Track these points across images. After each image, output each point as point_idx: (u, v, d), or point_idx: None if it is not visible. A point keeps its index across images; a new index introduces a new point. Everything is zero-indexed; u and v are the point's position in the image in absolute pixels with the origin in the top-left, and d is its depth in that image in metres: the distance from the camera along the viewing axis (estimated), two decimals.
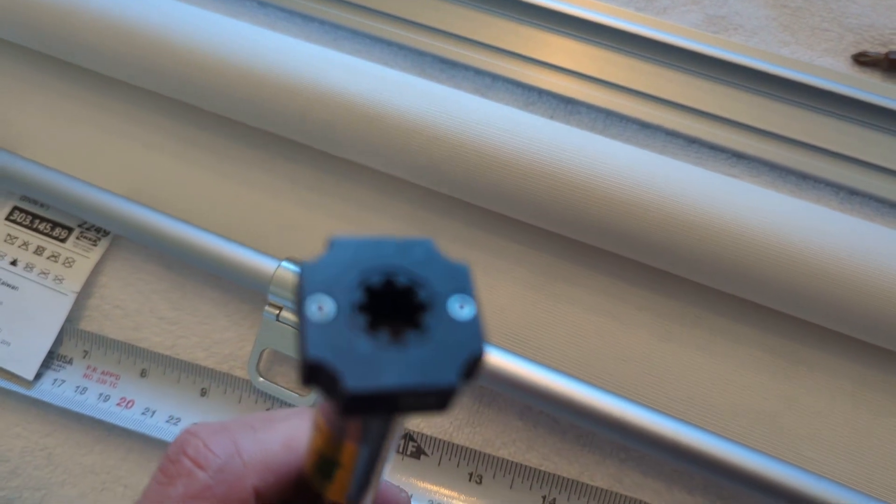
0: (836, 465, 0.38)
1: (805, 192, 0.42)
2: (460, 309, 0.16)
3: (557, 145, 0.39)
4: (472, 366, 0.15)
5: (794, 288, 0.37)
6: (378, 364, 0.15)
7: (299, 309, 0.15)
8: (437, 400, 0.15)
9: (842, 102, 0.42)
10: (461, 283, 0.16)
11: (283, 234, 0.44)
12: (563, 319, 0.42)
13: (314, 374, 0.15)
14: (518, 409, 0.41)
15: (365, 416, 0.17)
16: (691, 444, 0.36)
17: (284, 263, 0.41)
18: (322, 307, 0.15)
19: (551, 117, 0.44)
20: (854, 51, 0.44)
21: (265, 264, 0.41)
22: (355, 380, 0.14)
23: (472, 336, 0.15)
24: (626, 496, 0.38)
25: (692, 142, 0.43)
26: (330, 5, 0.47)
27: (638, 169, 0.39)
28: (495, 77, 0.45)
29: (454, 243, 0.43)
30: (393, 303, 0.16)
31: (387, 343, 0.15)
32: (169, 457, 0.22)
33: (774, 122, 0.42)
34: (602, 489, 0.39)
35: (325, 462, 0.20)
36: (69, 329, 0.44)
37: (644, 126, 0.44)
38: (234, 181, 0.46)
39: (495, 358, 0.39)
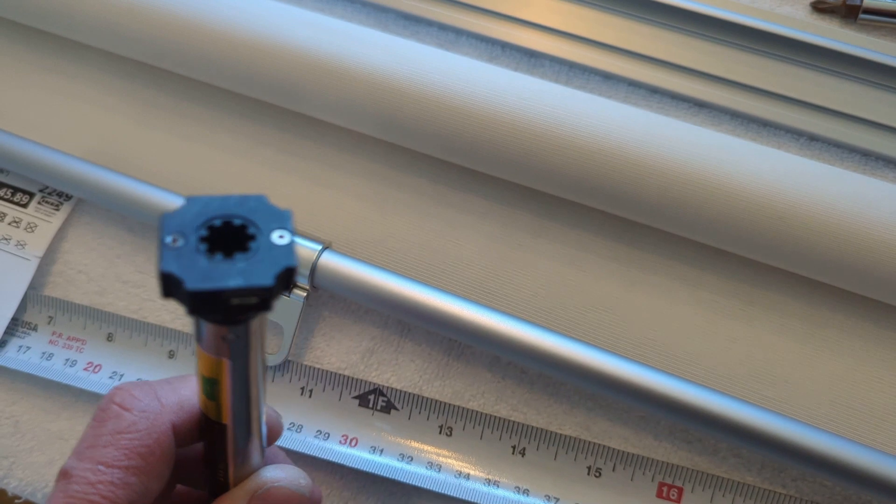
0: (794, 402, 0.39)
1: (766, 138, 0.43)
2: (280, 238, 0.21)
3: (519, 95, 0.39)
4: (286, 275, 0.21)
5: (754, 232, 0.38)
6: (213, 274, 0.20)
7: (158, 243, 0.21)
8: (259, 299, 0.20)
9: (801, 49, 0.42)
10: (282, 222, 0.22)
11: (246, 193, 0.44)
12: (528, 271, 0.42)
13: (166, 283, 0.20)
14: (487, 360, 0.41)
15: (207, 315, 0.21)
16: (655, 388, 0.37)
17: None
18: (175, 240, 0.21)
19: (515, 70, 0.44)
20: None
21: None
22: (194, 283, 0.20)
23: (287, 255, 0.21)
24: (594, 443, 0.39)
25: (654, 91, 0.43)
26: None
27: (601, 117, 0.39)
28: (459, 32, 0.45)
29: (420, 198, 0.43)
30: (231, 237, 0.21)
31: (221, 261, 0.21)
32: (101, 406, 0.27)
33: (735, 71, 0.43)
34: (570, 437, 0.39)
35: (206, 382, 0.25)
36: (33, 295, 0.43)
37: (607, 77, 0.44)
38: (195, 142, 0.45)
39: (462, 309, 0.39)
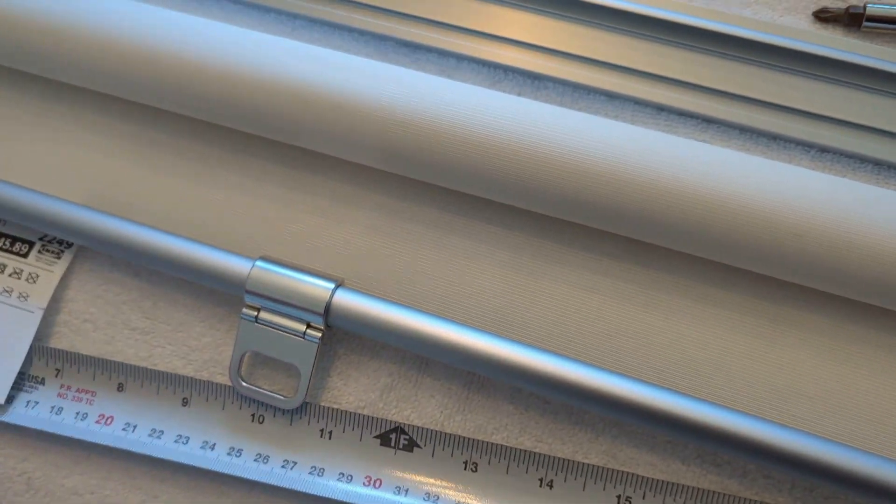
0: (823, 419, 0.38)
1: (776, 152, 0.42)
2: None
3: (526, 121, 0.39)
4: None
5: (771, 249, 0.37)
6: None
7: None
8: None
9: (806, 60, 0.42)
10: None
11: (254, 232, 0.43)
12: (546, 298, 0.41)
13: None
14: (508, 392, 0.40)
15: None
16: (681, 413, 0.36)
17: (259, 262, 0.40)
18: None
19: (519, 94, 0.44)
20: (815, 7, 0.44)
21: (239, 265, 0.40)
22: None
23: None
24: (622, 472, 0.38)
25: (661, 109, 0.43)
26: None
27: (609, 140, 0.38)
28: (460, 57, 0.44)
29: (431, 229, 0.42)
30: None
31: None
32: None
33: (741, 85, 0.42)
34: (598, 467, 0.38)
35: None
36: (38, 348, 0.42)
37: (612, 97, 0.43)
38: (197, 181, 0.44)
39: (481, 342, 0.38)
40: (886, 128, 0.41)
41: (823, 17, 0.43)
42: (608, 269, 0.41)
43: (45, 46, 0.43)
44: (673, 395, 0.36)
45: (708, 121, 0.42)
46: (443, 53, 0.45)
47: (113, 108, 0.46)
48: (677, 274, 0.41)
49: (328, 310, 0.39)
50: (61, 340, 0.43)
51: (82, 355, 0.42)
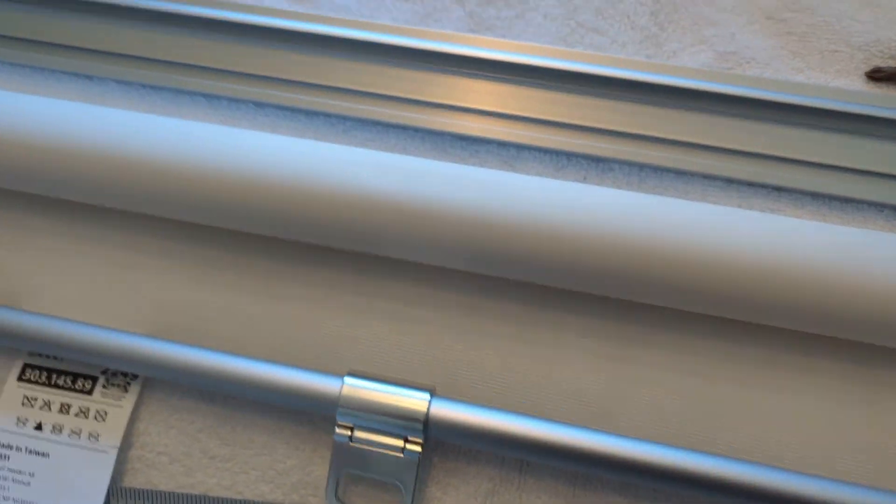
0: None
1: (850, 215, 0.42)
2: None
3: (599, 209, 0.38)
4: None
5: (864, 318, 0.37)
6: None
7: None
8: None
9: (865, 121, 0.42)
10: None
11: (334, 346, 0.42)
12: (644, 385, 0.40)
13: None
14: (616, 484, 0.39)
15: None
16: (816, 497, 0.35)
17: (348, 379, 0.39)
18: None
19: (584, 179, 0.43)
20: (866, 68, 0.44)
21: (328, 384, 0.39)
22: None
23: None
24: None
25: (731, 182, 0.43)
26: (332, 96, 0.45)
27: (686, 222, 0.38)
28: (520, 147, 0.44)
29: (510, 325, 0.42)
30: None
31: None
32: None
33: (806, 150, 0.42)
34: None
35: None
36: (115, 489, 0.40)
37: (680, 174, 0.43)
38: (263, 298, 0.43)
39: (585, 440, 0.37)
40: None
41: (877, 76, 0.44)
42: (702, 349, 0.40)
43: (90, 175, 0.42)
44: (800, 478, 0.36)
45: (779, 189, 0.43)
46: (502, 144, 0.44)
47: (165, 230, 0.44)
48: (769, 346, 0.40)
49: (427, 422, 0.38)
50: (136, 477, 0.41)
51: (161, 492, 0.40)
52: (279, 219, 0.40)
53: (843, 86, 0.44)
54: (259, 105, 0.46)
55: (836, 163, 0.42)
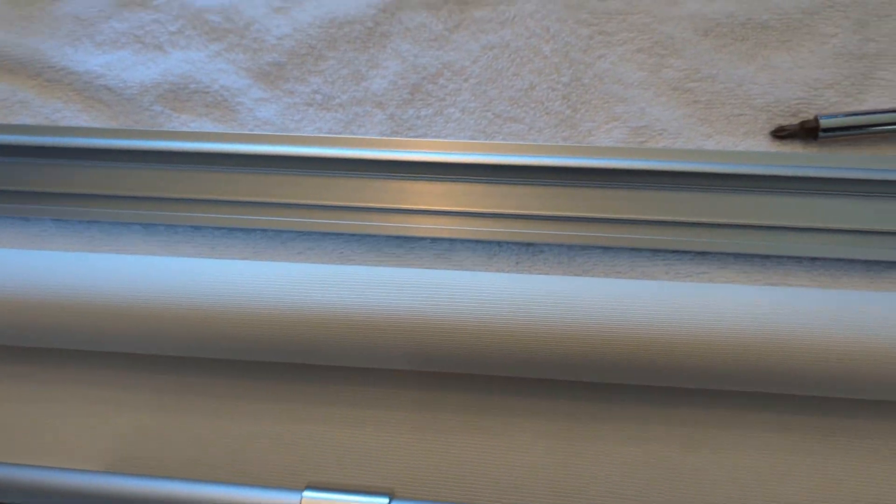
0: None
1: (772, 269, 0.44)
2: None
3: (531, 299, 0.40)
4: None
5: (802, 375, 0.38)
6: None
7: None
8: None
9: (774, 181, 0.44)
10: None
11: (291, 459, 0.42)
12: (601, 460, 0.41)
13: None
14: None
15: None
16: None
17: (307, 493, 0.39)
18: None
19: (517, 263, 0.45)
20: (771, 127, 0.46)
21: (287, 500, 0.39)
22: None
23: None
24: None
25: (657, 252, 0.44)
26: (266, 212, 0.46)
27: (614, 301, 0.39)
28: (453, 241, 0.46)
29: (463, 414, 0.43)
30: None
31: None
32: None
33: (724, 214, 0.44)
34: None
35: None
36: None
37: (607, 249, 0.45)
38: (217, 418, 0.44)
39: None
40: (881, 228, 0.43)
41: (781, 135, 0.46)
42: (658, 417, 0.42)
43: (42, 320, 0.42)
44: None
45: (702, 254, 0.44)
46: (435, 240, 0.46)
47: (114, 362, 0.45)
48: (721, 407, 0.42)
49: None
50: None
51: None
52: (228, 342, 0.41)
53: (750, 146, 0.46)
54: (197, 228, 0.47)
55: (753, 222, 0.44)
